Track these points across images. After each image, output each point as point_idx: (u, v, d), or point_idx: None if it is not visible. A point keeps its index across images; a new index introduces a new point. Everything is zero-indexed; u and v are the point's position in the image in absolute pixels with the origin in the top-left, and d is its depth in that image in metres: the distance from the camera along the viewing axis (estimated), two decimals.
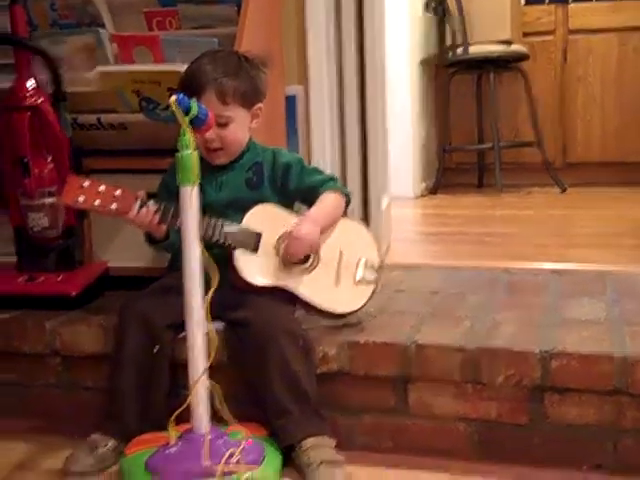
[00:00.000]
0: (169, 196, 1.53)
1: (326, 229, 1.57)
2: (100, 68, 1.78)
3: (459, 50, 4.15)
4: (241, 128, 1.58)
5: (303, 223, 1.53)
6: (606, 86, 4.44)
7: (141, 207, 1.43)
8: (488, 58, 4.11)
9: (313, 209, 1.58)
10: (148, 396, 1.48)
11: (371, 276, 1.59)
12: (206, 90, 1.51)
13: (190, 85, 1.52)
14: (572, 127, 4.52)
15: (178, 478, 1.29)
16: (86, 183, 1.39)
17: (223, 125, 1.54)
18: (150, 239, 1.55)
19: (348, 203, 1.64)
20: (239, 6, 1.85)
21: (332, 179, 1.66)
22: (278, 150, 1.66)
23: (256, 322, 1.45)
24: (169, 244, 1.54)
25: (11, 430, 1.65)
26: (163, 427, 1.40)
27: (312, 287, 1.54)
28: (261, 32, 1.90)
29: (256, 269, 1.50)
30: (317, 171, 1.67)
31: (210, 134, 1.51)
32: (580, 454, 1.41)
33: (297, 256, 1.52)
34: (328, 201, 1.60)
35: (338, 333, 1.52)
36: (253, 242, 1.50)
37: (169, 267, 1.66)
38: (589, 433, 1.40)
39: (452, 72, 4.35)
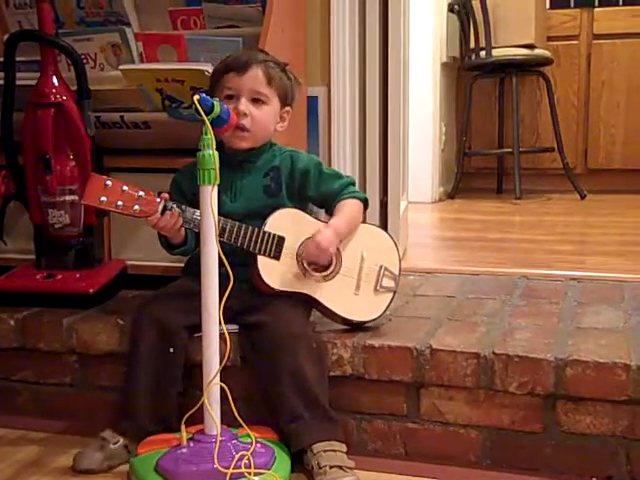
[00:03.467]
0: (182, 197, 1.54)
1: (346, 237, 1.57)
2: (124, 66, 1.80)
3: (482, 53, 4.13)
4: (273, 116, 1.59)
5: (324, 232, 1.52)
6: (630, 92, 4.41)
7: (164, 210, 1.41)
8: (512, 62, 4.09)
9: (334, 219, 1.57)
10: (161, 396, 1.49)
11: (390, 284, 1.60)
12: (253, 66, 1.54)
13: (237, 60, 1.54)
14: (594, 133, 4.49)
15: (188, 479, 1.30)
16: (109, 182, 1.36)
17: (260, 102, 1.55)
18: (167, 244, 1.55)
19: (366, 208, 1.65)
20: (264, 6, 1.86)
21: (351, 183, 1.65)
22: (296, 154, 1.64)
23: (270, 326, 1.46)
24: (187, 249, 1.55)
25: (25, 428, 1.66)
26: (175, 427, 1.42)
27: (332, 294, 1.55)
28: (285, 32, 1.91)
29: (277, 274, 1.50)
30: (335, 175, 1.65)
31: (244, 108, 1.52)
32: (592, 464, 1.40)
33: (314, 263, 1.52)
34: (347, 209, 1.59)
35: (353, 336, 1.53)
36: (276, 247, 1.50)
37: (185, 269, 1.66)
38: (602, 443, 1.39)
39: (475, 75, 4.34)
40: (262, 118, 1.56)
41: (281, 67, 1.59)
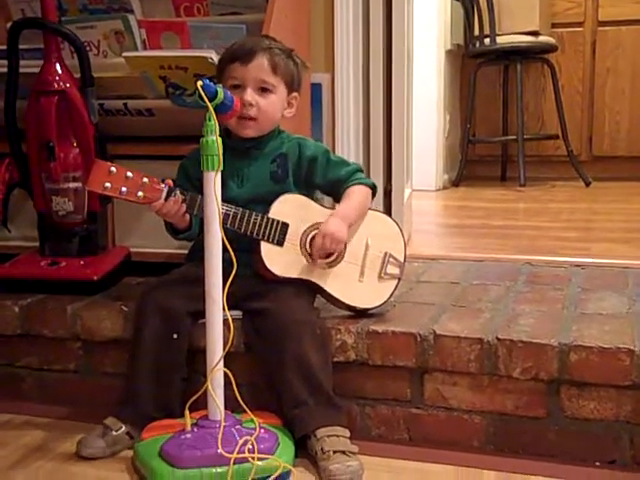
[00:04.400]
0: (187, 181, 1.54)
1: (354, 224, 1.57)
2: (127, 53, 1.79)
3: (487, 40, 4.11)
4: (279, 104, 1.58)
5: (332, 220, 1.52)
6: (635, 79, 4.38)
7: (168, 196, 1.41)
8: (516, 49, 4.08)
9: (342, 206, 1.57)
10: (164, 383, 1.49)
11: (395, 271, 1.60)
12: (259, 54, 1.52)
13: (242, 49, 1.53)
14: (599, 120, 4.47)
15: (192, 464, 1.31)
16: (113, 169, 1.36)
17: (266, 91, 1.54)
18: (172, 229, 1.55)
19: (374, 195, 1.64)
20: None
21: (358, 170, 1.64)
22: (303, 141, 1.64)
23: (273, 312, 1.46)
24: (191, 234, 1.55)
25: (29, 413, 1.67)
26: (178, 413, 1.43)
27: (336, 281, 1.55)
28: (289, 19, 1.91)
29: (281, 261, 1.51)
30: (343, 163, 1.65)
31: (250, 98, 1.52)
32: (596, 449, 1.41)
33: (323, 252, 1.52)
34: (355, 196, 1.59)
35: (356, 322, 1.53)
36: (279, 233, 1.50)
37: (189, 255, 1.67)
38: (606, 428, 1.40)
39: (479, 63, 4.32)
40: (268, 107, 1.55)
41: (287, 53, 1.58)
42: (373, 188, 1.63)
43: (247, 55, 1.52)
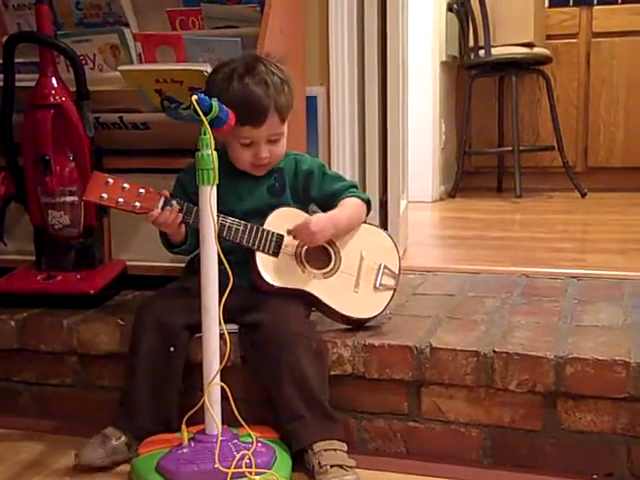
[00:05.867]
0: (185, 195, 1.54)
1: (344, 232, 1.58)
2: (123, 67, 1.80)
3: (482, 52, 4.14)
4: (285, 140, 1.58)
5: (319, 215, 1.55)
6: (630, 90, 4.41)
7: (164, 206, 1.43)
8: (511, 61, 4.09)
9: (335, 210, 1.58)
10: (162, 396, 1.49)
11: (390, 282, 1.60)
12: (269, 114, 1.50)
13: (252, 112, 1.48)
14: (595, 131, 4.49)
15: (190, 479, 1.30)
16: (110, 180, 1.38)
17: (276, 141, 1.55)
18: (168, 242, 1.55)
19: (369, 210, 1.65)
20: (262, 6, 1.85)
21: (353, 185, 1.65)
22: (300, 156, 1.65)
23: (269, 326, 1.46)
24: (187, 249, 1.55)
25: (26, 428, 1.66)
26: (175, 427, 1.42)
27: (331, 292, 1.55)
28: (284, 32, 1.91)
29: (276, 271, 1.51)
30: (339, 178, 1.67)
31: (264, 153, 1.53)
32: (593, 462, 1.40)
33: (296, 237, 1.52)
34: (349, 205, 1.60)
35: (353, 335, 1.53)
36: (274, 244, 1.51)
37: (186, 269, 1.67)
38: (602, 440, 1.39)
39: (474, 74, 4.34)
40: (280, 149, 1.57)
41: (285, 81, 1.54)
42: (368, 203, 1.64)
43: (258, 118, 1.49)
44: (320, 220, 1.53)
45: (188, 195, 1.55)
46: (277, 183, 1.60)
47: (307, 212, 1.60)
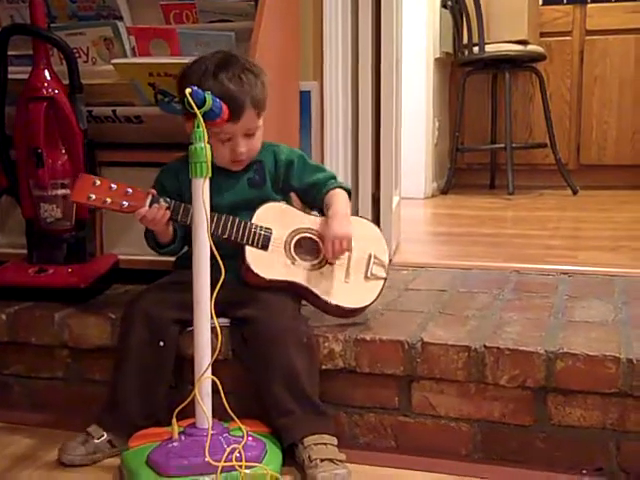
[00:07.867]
0: (166, 195, 1.53)
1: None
2: (117, 60, 1.80)
3: (475, 49, 4.14)
4: (261, 133, 1.58)
5: (336, 222, 1.54)
6: (623, 88, 4.42)
7: (152, 203, 1.43)
8: (505, 58, 4.10)
9: (337, 206, 1.58)
10: (150, 391, 1.49)
11: (380, 271, 1.60)
12: (247, 108, 1.50)
13: (229, 108, 1.46)
14: (587, 128, 4.51)
15: (179, 473, 1.30)
16: (97, 181, 1.39)
17: (252, 135, 1.55)
18: (155, 242, 1.55)
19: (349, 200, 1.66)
20: (256, 0, 1.85)
21: (333, 177, 1.67)
22: (277, 147, 1.65)
23: (260, 320, 1.46)
24: (174, 249, 1.56)
25: (16, 422, 1.66)
26: (164, 422, 1.42)
27: (322, 282, 1.55)
28: (278, 27, 1.91)
29: (266, 263, 1.51)
30: (319, 168, 1.68)
31: (242, 147, 1.53)
32: (583, 456, 1.41)
33: (340, 254, 1.54)
34: (341, 197, 1.61)
35: (344, 330, 1.53)
36: (263, 238, 1.51)
37: (176, 263, 1.67)
38: (592, 435, 1.40)
39: (468, 71, 4.35)
40: (257, 143, 1.57)
41: (258, 75, 1.54)
42: (349, 193, 1.66)
43: (235, 114, 1.47)
44: (337, 224, 1.54)
45: (169, 195, 1.54)
46: (257, 175, 1.61)
47: (289, 203, 1.61)
